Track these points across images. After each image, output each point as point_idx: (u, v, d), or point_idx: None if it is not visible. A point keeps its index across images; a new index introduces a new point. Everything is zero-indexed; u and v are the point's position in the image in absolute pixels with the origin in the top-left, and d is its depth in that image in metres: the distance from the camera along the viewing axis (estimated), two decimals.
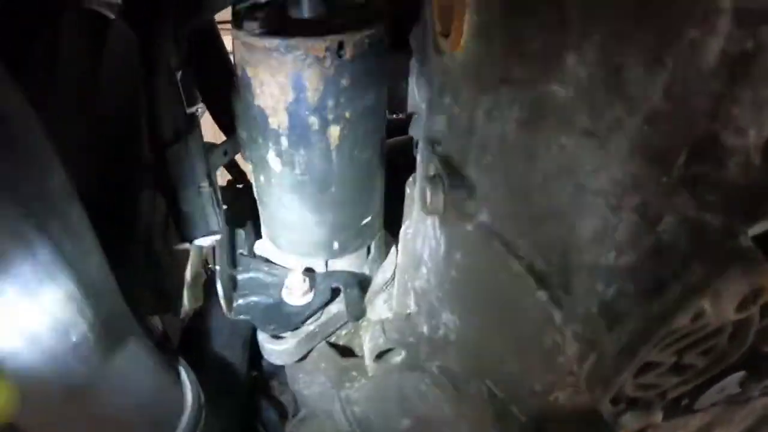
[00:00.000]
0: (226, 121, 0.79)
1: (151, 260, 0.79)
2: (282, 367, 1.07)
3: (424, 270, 0.65)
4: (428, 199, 0.54)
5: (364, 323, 0.78)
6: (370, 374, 0.65)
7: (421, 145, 0.59)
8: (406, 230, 0.70)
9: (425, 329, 0.64)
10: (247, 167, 0.88)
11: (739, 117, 0.38)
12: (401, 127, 0.96)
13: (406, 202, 0.79)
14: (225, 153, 0.76)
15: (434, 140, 0.57)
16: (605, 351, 0.46)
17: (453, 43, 0.49)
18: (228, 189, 0.91)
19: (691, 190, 0.43)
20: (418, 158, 0.60)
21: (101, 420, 0.55)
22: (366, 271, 0.78)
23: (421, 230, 0.64)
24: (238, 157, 0.96)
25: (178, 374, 0.67)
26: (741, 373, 0.59)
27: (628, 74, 0.41)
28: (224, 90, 0.75)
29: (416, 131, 0.79)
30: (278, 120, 0.64)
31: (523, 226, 0.51)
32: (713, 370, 0.52)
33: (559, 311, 0.49)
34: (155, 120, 0.65)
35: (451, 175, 0.54)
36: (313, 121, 0.64)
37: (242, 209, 0.83)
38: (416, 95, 0.74)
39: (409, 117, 0.86)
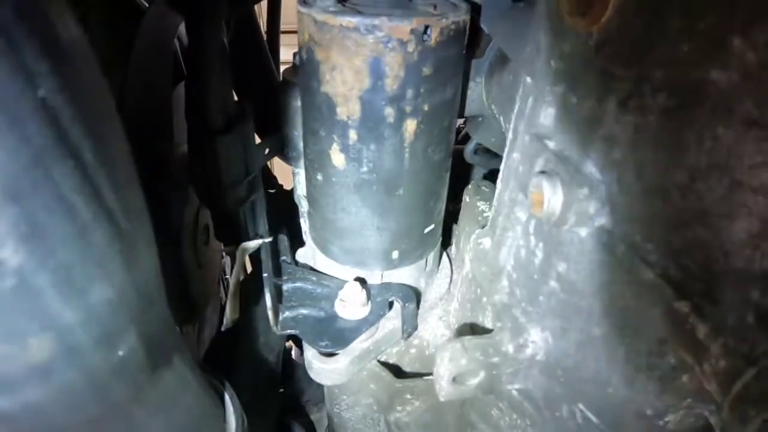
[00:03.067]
0: (264, 121, 0.69)
1: (178, 267, 0.67)
2: (312, 384, 0.95)
3: (505, 282, 0.57)
4: (544, 200, 0.46)
5: (416, 341, 0.69)
6: (441, 398, 0.55)
7: (524, 140, 0.52)
8: (477, 240, 0.63)
9: (510, 348, 0.56)
10: (280, 170, 0.79)
11: None
12: None
13: (464, 211, 0.71)
14: (267, 152, 0.66)
15: (542, 135, 0.50)
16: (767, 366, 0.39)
17: (592, 19, 0.42)
18: None
19: None
20: (515, 155, 0.53)
21: None
22: (422, 284, 0.69)
23: (507, 240, 0.56)
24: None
25: (222, 398, 0.56)
26: None
27: None
28: (263, 85, 0.66)
29: (481, 134, 0.72)
30: (348, 110, 0.56)
31: (657, 230, 0.45)
32: None
33: (705, 323, 0.42)
34: (205, 106, 0.54)
35: (570, 172, 0.46)
36: (389, 112, 0.56)
37: (278, 215, 0.73)
38: (485, 97, 0.67)
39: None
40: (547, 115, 0.50)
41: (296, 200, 0.70)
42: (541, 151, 0.50)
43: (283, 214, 0.73)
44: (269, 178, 0.88)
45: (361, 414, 0.72)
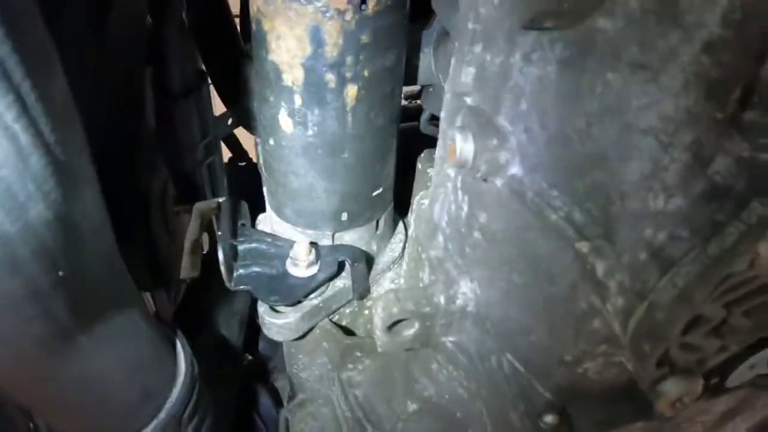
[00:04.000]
0: (229, 92, 0.74)
1: (148, 233, 0.72)
2: (278, 352, 0.99)
3: (440, 238, 0.60)
4: (457, 150, 0.49)
5: (369, 302, 0.71)
6: (379, 348, 0.58)
7: (446, 98, 0.54)
8: (420, 201, 0.65)
9: (441, 299, 0.58)
10: (249, 144, 0.83)
11: None
12: (409, 115, 0.93)
13: (417, 178, 0.74)
14: (230, 122, 0.71)
15: (462, 93, 0.53)
16: (658, 299, 0.41)
17: None
18: (230, 165, 0.84)
19: (743, 134, 0.39)
20: (442, 114, 0.56)
21: (85, 380, 0.48)
22: (374, 247, 0.72)
23: (439, 196, 0.59)
24: (241, 136, 0.91)
25: (174, 345, 0.60)
26: None
27: (683, 2, 0.37)
28: (229, 56, 0.70)
29: (430, 103, 0.75)
30: (293, 76, 0.60)
31: (561, 176, 0.47)
32: (754, 335, 0.47)
33: (603, 262, 0.44)
34: (165, 73, 0.59)
35: (482, 124, 0.49)
36: (330, 78, 0.59)
37: (244, 185, 0.77)
38: (433, 66, 0.70)
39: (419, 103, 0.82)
40: (467, 74, 0.53)
41: (259, 169, 0.74)
42: (460, 108, 0.53)
43: (251, 184, 0.77)
44: (240, 152, 0.93)
45: (317, 374, 0.75)
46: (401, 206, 0.78)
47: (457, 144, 0.49)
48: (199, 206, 0.63)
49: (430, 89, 0.72)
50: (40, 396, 0.50)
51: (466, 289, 0.57)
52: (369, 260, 0.70)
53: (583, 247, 0.45)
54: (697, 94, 0.39)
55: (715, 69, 0.37)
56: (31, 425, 0.60)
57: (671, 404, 0.49)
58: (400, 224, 0.76)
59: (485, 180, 0.51)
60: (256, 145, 0.74)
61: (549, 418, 0.53)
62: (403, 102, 1.08)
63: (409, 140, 0.78)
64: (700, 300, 0.40)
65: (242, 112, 0.71)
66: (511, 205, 0.51)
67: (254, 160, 0.91)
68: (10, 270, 0.38)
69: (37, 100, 0.37)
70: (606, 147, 0.44)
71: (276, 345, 1.01)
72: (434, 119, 0.74)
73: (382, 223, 0.71)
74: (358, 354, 0.69)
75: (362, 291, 0.68)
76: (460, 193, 0.56)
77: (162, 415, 0.58)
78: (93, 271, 0.44)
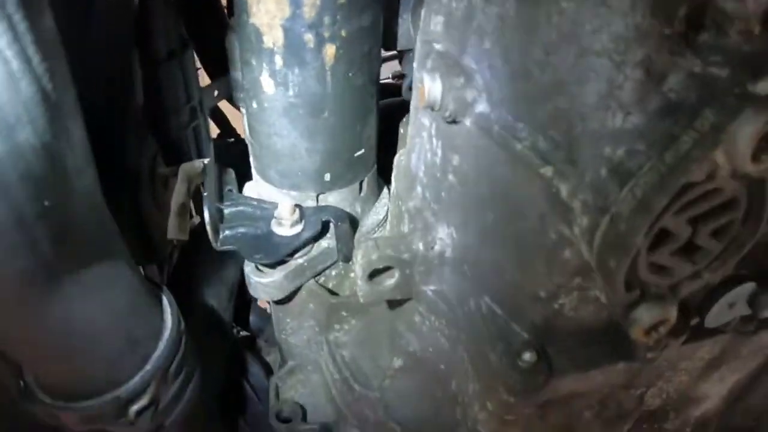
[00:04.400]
0: (214, 64, 0.77)
1: (138, 208, 0.75)
2: (268, 324, 1.01)
3: (418, 189, 0.62)
4: (426, 92, 0.52)
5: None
6: (360, 298, 0.60)
7: (417, 48, 0.57)
8: (399, 158, 0.68)
9: (420, 246, 0.60)
10: (236, 121, 0.86)
11: None
12: (392, 92, 0.96)
13: (399, 141, 0.76)
14: (216, 93, 0.74)
15: (431, 40, 0.55)
16: (619, 211, 0.43)
17: None
18: (217, 140, 0.88)
19: (694, 51, 0.41)
20: (414, 65, 0.58)
21: (69, 322, 0.50)
22: (358, 209, 0.74)
23: (416, 146, 0.61)
24: (228, 111, 0.95)
25: (160, 299, 0.62)
26: (751, 286, 0.56)
27: None
28: (214, 28, 0.74)
29: (410, 68, 0.77)
30: (273, 37, 0.63)
31: (524, 107, 0.49)
32: (727, 262, 0.49)
33: (566, 183, 0.46)
34: (149, 36, 0.62)
35: (449, 65, 0.52)
36: (309, 38, 0.62)
37: (232, 158, 0.80)
38: (411, 31, 0.73)
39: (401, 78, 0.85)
40: (436, 23, 0.55)
41: (246, 140, 0.77)
42: (429, 53, 0.55)
43: (239, 157, 0.80)
44: (228, 128, 0.96)
45: (305, 338, 0.76)
46: (387, 176, 0.80)
47: (425, 85, 0.52)
48: (185, 167, 0.65)
49: (410, 54, 0.75)
50: (24, 339, 0.52)
51: (443, 235, 0.59)
52: (353, 222, 0.72)
53: (547, 171, 0.47)
54: (644, 11, 0.41)
55: None
56: (22, 383, 0.61)
57: (645, 332, 0.50)
58: (385, 190, 0.78)
59: (455, 121, 0.53)
60: (243, 116, 0.78)
61: (527, 356, 0.54)
62: (390, 80, 1.12)
63: (395, 114, 0.81)
64: (659, 208, 0.41)
65: (227, 85, 0.75)
66: (480, 142, 0.53)
67: (242, 135, 0.94)
68: None
69: (27, 30, 0.40)
70: (564, 73, 0.46)
71: (266, 319, 1.03)
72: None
73: (365, 185, 0.73)
74: (344, 313, 0.71)
75: (347, 252, 0.69)
76: (434, 140, 0.58)
77: (148, 366, 0.59)
78: (77, 207, 0.47)
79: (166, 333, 0.61)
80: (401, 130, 0.74)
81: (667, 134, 0.41)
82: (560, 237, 0.50)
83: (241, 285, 0.90)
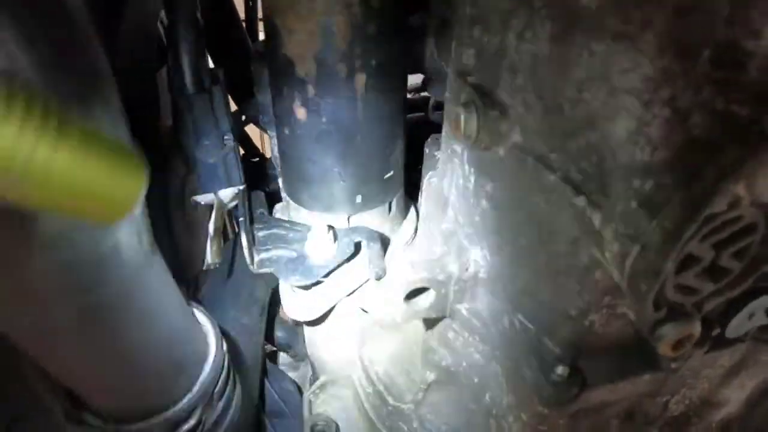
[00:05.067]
0: (240, 90, 0.81)
1: (168, 230, 0.79)
2: (294, 339, 1.05)
3: (450, 212, 0.66)
4: (462, 124, 0.56)
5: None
6: (398, 318, 0.64)
7: (450, 79, 0.62)
8: (429, 180, 0.72)
9: (455, 268, 0.64)
10: (260, 140, 0.90)
11: (756, 20, 0.41)
12: (415, 107, 1.00)
13: (425, 161, 0.81)
14: (244, 118, 0.78)
15: (464, 72, 0.60)
16: (649, 241, 0.47)
17: None
18: (243, 161, 0.92)
19: (717, 88, 0.46)
20: (447, 95, 0.63)
21: (123, 350, 0.54)
22: (387, 228, 0.79)
23: (447, 171, 0.66)
24: (251, 133, 0.99)
25: (202, 323, 0.66)
26: None
27: None
28: (238, 57, 0.78)
29: (436, 90, 0.82)
30: (305, 68, 0.67)
31: (557, 140, 0.54)
32: (746, 278, 0.54)
33: (599, 213, 0.51)
34: (178, 69, 0.67)
35: (484, 98, 0.56)
36: (341, 68, 0.66)
37: (257, 179, 0.84)
38: (435, 54, 0.77)
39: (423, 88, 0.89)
40: (468, 56, 0.60)
41: (273, 162, 0.81)
42: (463, 87, 0.60)
43: (264, 178, 0.84)
44: (252, 149, 1.00)
45: (338, 355, 0.81)
46: (412, 192, 0.85)
47: (461, 118, 0.56)
48: (221, 194, 0.70)
49: (434, 77, 0.79)
50: (81, 366, 0.56)
51: (477, 257, 0.64)
52: (384, 241, 0.77)
53: (580, 201, 0.52)
54: (670, 54, 0.46)
55: (686, 32, 0.45)
56: (71, 411, 0.66)
57: (672, 347, 0.55)
58: (412, 208, 0.83)
59: (488, 150, 0.58)
60: (270, 139, 0.82)
61: (560, 370, 0.59)
62: (409, 95, 1.16)
63: (416, 130, 0.86)
64: (686, 237, 0.46)
65: (252, 109, 0.79)
66: (514, 171, 0.57)
67: (266, 155, 0.98)
68: None
69: None
70: (595, 110, 0.51)
71: (294, 334, 1.08)
72: (439, 107, 0.81)
73: (394, 205, 0.78)
74: (378, 331, 0.76)
75: (379, 270, 0.74)
76: (466, 166, 0.63)
77: (195, 388, 0.64)
78: (131, 243, 0.52)
79: (211, 356, 0.66)
80: (426, 150, 0.79)
81: (693, 168, 0.46)
82: (591, 260, 0.55)
83: (272, 299, 0.95)
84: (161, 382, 0.62)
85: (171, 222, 0.80)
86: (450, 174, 0.65)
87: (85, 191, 0.37)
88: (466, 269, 0.64)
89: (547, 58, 0.53)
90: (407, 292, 0.64)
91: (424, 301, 0.65)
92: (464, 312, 0.66)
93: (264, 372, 0.89)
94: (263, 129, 0.81)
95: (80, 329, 0.53)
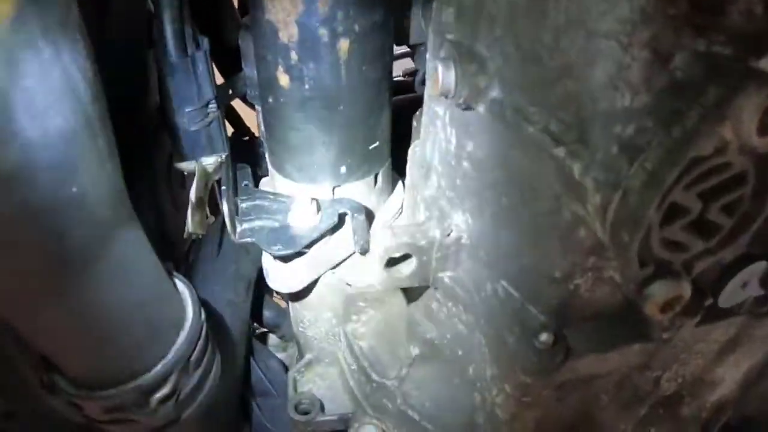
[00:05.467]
0: (228, 62, 0.81)
1: (156, 208, 0.78)
2: (283, 320, 1.04)
3: (433, 177, 0.65)
4: (440, 80, 0.55)
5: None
6: (378, 285, 0.62)
7: (430, 39, 0.61)
8: (413, 149, 0.71)
9: (437, 233, 0.63)
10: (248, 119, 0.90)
11: None
12: (404, 89, 0.99)
13: (413, 134, 0.80)
14: (230, 91, 0.78)
15: (444, 31, 0.59)
16: (630, 185, 0.45)
17: None
18: (233, 139, 0.91)
19: (697, 31, 0.44)
20: (427, 55, 0.62)
21: (94, 306, 0.53)
22: (373, 201, 0.77)
23: (430, 135, 0.64)
24: (241, 110, 0.99)
25: (180, 290, 0.65)
26: (764, 265, 0.59)
27: None
28: (225, 31, 0.77)
29: (422, 62, 0.81)
30: (288, 33, 0.66)
31: (536, 91, 0.52)
32: (737, 237, 0.51)
33: (578, 163, 0.49)
34: (161, 35, 0.66)
35: (462, 53, 0.55)
36: (323, 33, 0.65)
37: (246, 157, 0.83)
38: (423, 25, 0.76)
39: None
40: (448, 14, 0.59)
41: (261, 137, 0.80)
42: (442, 43, 0.59)
43: (254, 157, 0.84)
44: (242, 128, 0.99)
45: (323, 330, 0.79)
46: (401, 169, 0.83)
47: (439, 73, 0.55)
48: (203, 161, 0.69)
49: (422, 48, 0.78)
50: (52, 328, 0.55)
51: (459, 221, 0.62)
52: (369, 214, 0.75)
53: (560, 152, 0.50)
54: None
55: None
56: (45, 377, 0.64)
57: (660, 308, 0.52)
58: (399, 184, 0.82)
59: (469, 108, 0.57)
60: (257, 114, 0.81)
61: (543, 337, 0.57)
62: (401, 78, 1.15)
63: (407, 110, 0.84)
64: (669, 181, 0.44)
65: (241, 83, 0.78)
66: (494, 127, 0.56)
67: (256, 134, 0.98)
68: (28, 179, 0.44)
69: (57, 22, 0.44)
70: (573, 56, 0.49)
71: (281, 315, 1.06)
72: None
73: (380, 178, 0.76)
74: (362, 304, 0.74)
75: (363, 243, 0.72)
76: (448, 128, 0.61)
77: (170, 355, 0.62)
78: (103, 192, 0.50)
79: (188, 323, 0.64)
80: (414, 123, 0.78)
81: (675, 111, 0.44)
82: (574, 216, 0.52)
83: (256, 281, 0.93)
84: (134, 345, 0.60)
85: (158, 198, 0.79)
86: (432, 138, 0.64)
87: None
88: (448, 234, 0.62)
89: (523, 6, 0.51)
90: (387, 258, 0.62)
91: (406, 268, 0.63)
92: (447, 280, 0.64)
93: (250, 350, 0.87)
94: (250, 104, 0.80)
95: (49, 282, 0.51)
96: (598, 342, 0.60)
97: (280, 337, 1.01)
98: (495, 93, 0.55)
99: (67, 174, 0.46)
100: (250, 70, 0.78)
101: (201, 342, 0.65)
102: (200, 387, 0.67)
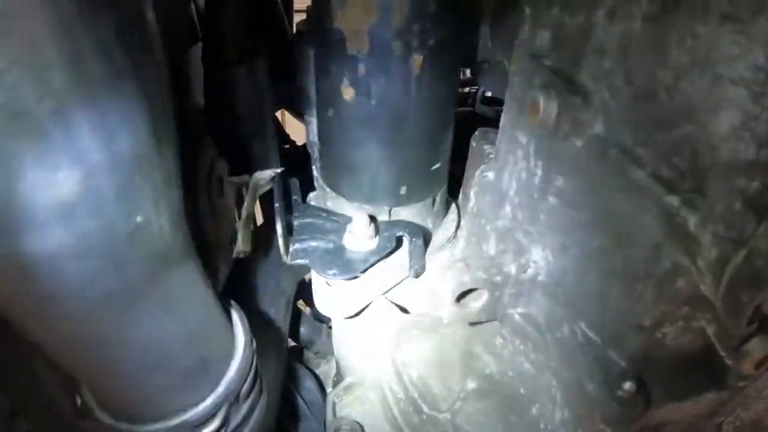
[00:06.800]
0: (275, 72, 0.76)
1: (194, 214, 0.72)
2: (320, 337, 0.99)
3: (508, 208, 0.61)
4: (541, 109, 0.51)
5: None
6: (444, 320, 0.59)
7: (520, 63, 0.56)
8: (482, 173, 0.67)
9: (512, 268, 0.59)
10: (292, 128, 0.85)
11: None
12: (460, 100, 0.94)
13: (471, 155, 0.75)
14: (277, 100, 0.73)
15: (538, 55, 0.55)
16: (756, 246, 0.42)
17: None
18: None
19: None
20: (515, 80, 0.58)
21: (143, 342, 0.48)
22: (429, 224, 0.73)
23: (508, 164, 0.60)
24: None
25: (230, 317, 0.60)
26: None
27: None
28: (275, 36, 0.72)
29: (487, 80, 0.77)
30: (357, 44, 0.61)
31: (647, 132, 0.49)
32: None
33: (695, 214, 0.46)
34: (219, 39, 0.61)
35: (564, 82, 0.51)
36: (397, 45, 0.61)
37: (291, 166, 0.78)
38: (489, 43, 0.72)
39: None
40: (542, 38, 0.55)
41: (308, 148, 0.75)
42: (537, 70, 0.55)
43: (296, 165, 0.78)
44: (282, 135, 0.94)
45: (367, 355, 0.75)
46: (452, 188, 0.79)
47: (540, 103, 0.51)
48: (257, 177, 0.64)
49: (485, 65, 0.74)
50: (93, 357, 0.50)
51: (538, 258, 0.59)
52: (426, 237, 0.71)
53: (674, 201, 0.47)
54: None
55: None
56: (79, 400, 0.59)
57: (756, 364, 0.50)
58: (453, 205, 0.77)
59: (566, 140, 0.53)
60: (306, 125, 0.76)
61: (627, 385, 0.54)
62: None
63: (461, 125, 0.80)
64: None
65: (286, 92, 0.73)
66: (591, 165, 0.52)
67: (297, 143, 0.93)
68: (90, 208, 0.39)
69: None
70: (695, 99, 0.46)
71: (318, 331, 1.02)
72: (486, 100, 0.76)
73: (438, 200, 0.72)
74: (415, 332, 0.70)
75: (418, 268, 0.68)
76: (533, 158, 0.57)
77: (220, 388, 0.58)
78: (164, 221, 0.45)
79: (239, 352, 0.60)
80: (473, 144, 0.74)
81: None
82: (675, 266, 0.49)
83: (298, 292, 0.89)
84: (182, 378, 0.56)
85: (197, 206, 0.74)
86: (511, 167, 0.60)
87: None
88: (525, 270, 0.58)
89: (641, 40, 0.48)
90: (459, 293, 0.58)
91: (476, 302, 0.60)
92: (517, 317, 0.61)
93: (287, 370, 0.83)
94: (298, 114, 0.75)
95: (97, 314, 0.46)
96: (676, 391, 0.57)
97: (315, 353, 0.96)
98: (598, 128, 0.52)
99: (132, 204, 0.41)
100: (305, 80, 0.72)
101: (252, 372, 0.61)
102: (248, 418, 0.62)
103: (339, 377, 0.80)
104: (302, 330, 0.99)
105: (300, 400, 0.84)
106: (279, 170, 0.64)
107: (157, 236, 0.47)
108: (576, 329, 0.58)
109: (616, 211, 0.52)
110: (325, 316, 0.94)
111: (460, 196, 0.78)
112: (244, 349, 0.60)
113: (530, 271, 0.59)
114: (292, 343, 0.97)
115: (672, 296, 0.51)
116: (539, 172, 0.57)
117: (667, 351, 0.55)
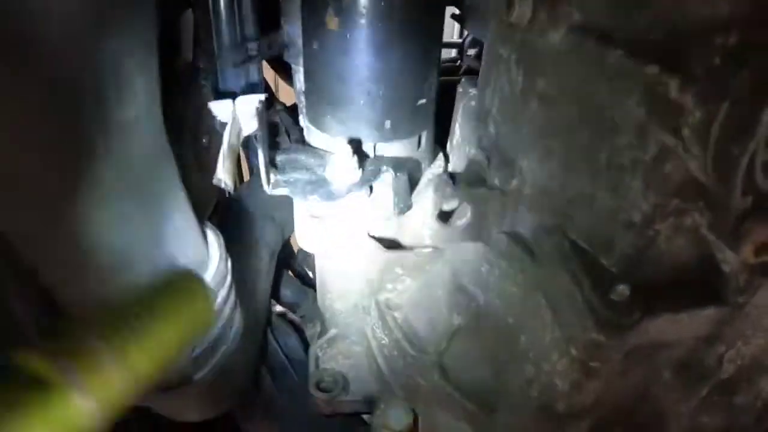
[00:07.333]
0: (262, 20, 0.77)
1: (178, 158, 0.71)
2: (303, 299, 0.95)
3: (492, 127, 0.60)
4: (516, 5, 0.51)
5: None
6: (428, 241, 0.56)
7: None
8: (465, 104, 0.66)
9: (496, 180, 0.57)
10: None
11: None
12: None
13: (458, 96, 0.75)
14: (268, 47, 0.73)
15: None
16: (738, 96, 0.41)
17: None
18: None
19: None
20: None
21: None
22: None
23: (490, 81, 0.60)
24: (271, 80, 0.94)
25: (205, 235, 0.57)
26: None
27: None
28: None
29: (472, 26, 0.78)
30: None
31: (621, 12, 0.49)
32: None
33: (676, 78, 0.45)
34: None
35: None
36: None
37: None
38: None
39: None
40: None
41: (296, 99, 0.75)
42: None
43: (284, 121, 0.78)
44: (272, 96, 0.94)
45: (351, 303, 0.71)
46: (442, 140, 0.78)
47: (515, 3, 0.52)
48: (242, 100, 0.63)
49: (471, 10, 0.75)
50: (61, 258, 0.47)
51: (523, 167, 0.57)
52: (411, 175, 0.69)
53: (654, 69, 0.46)
54: None
55: None
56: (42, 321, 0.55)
57: (756, 249, 0.47)
58: (440, 153, 0.76)
59: (543, 35, 0.53)
60: (293, 74, 0.76)
61: (621, 288, 0.51)
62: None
63: (450, 92, 0.80)
64: None
65: (276, 40, 0.74)
66: (571, 58, 0.52)
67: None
68: None
69: None
70: None
71: (302, 294, 0.97)
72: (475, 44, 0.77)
73: (423, 139, 0.71)
74: (399, 271, 0.67)
75: (403, 205, 0.66)
76: (514, 68, 0.57)
77: None
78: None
79: (213, 264, 0.56)
80: (460, 89, 0.74)
81: None
82: (661, 149, 0.48)
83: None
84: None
85: (182, 151, 0.72)
86: (493, 84, 0.60)
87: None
88: (511, 181, 0.57)
89: None
90: (441, 207, 0.56)
91: (460, 220, 0.58)
92: (503, 236, 0.58)
93: (268, 322, 0.78)
94: (289, 61, 0.75)
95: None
96: (671, 301, 0.54)
97: (300, 317, 0.92)
98: (575, 16, 0.52)
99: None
100: (289, 26, 0.74)
101: (224, 290, 0.57)
102: (220, 341, 0.58)
103: (323, 329, 0.75)
104: (288, 292, 0.95)
105: (281, 354, 0.79)
106: (262, 98, 0.64)
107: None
108: (563, 240, 0.55)
109: (598, 102, 0.51)
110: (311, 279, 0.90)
111: (448, 142, 0.77)
112: (218, 264, 0.57)
113: (514, 182, 0.57)
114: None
115: (661, 184, 0.49)
116: (521, 79, 0.57)
117: (659, 254, 0.53)
